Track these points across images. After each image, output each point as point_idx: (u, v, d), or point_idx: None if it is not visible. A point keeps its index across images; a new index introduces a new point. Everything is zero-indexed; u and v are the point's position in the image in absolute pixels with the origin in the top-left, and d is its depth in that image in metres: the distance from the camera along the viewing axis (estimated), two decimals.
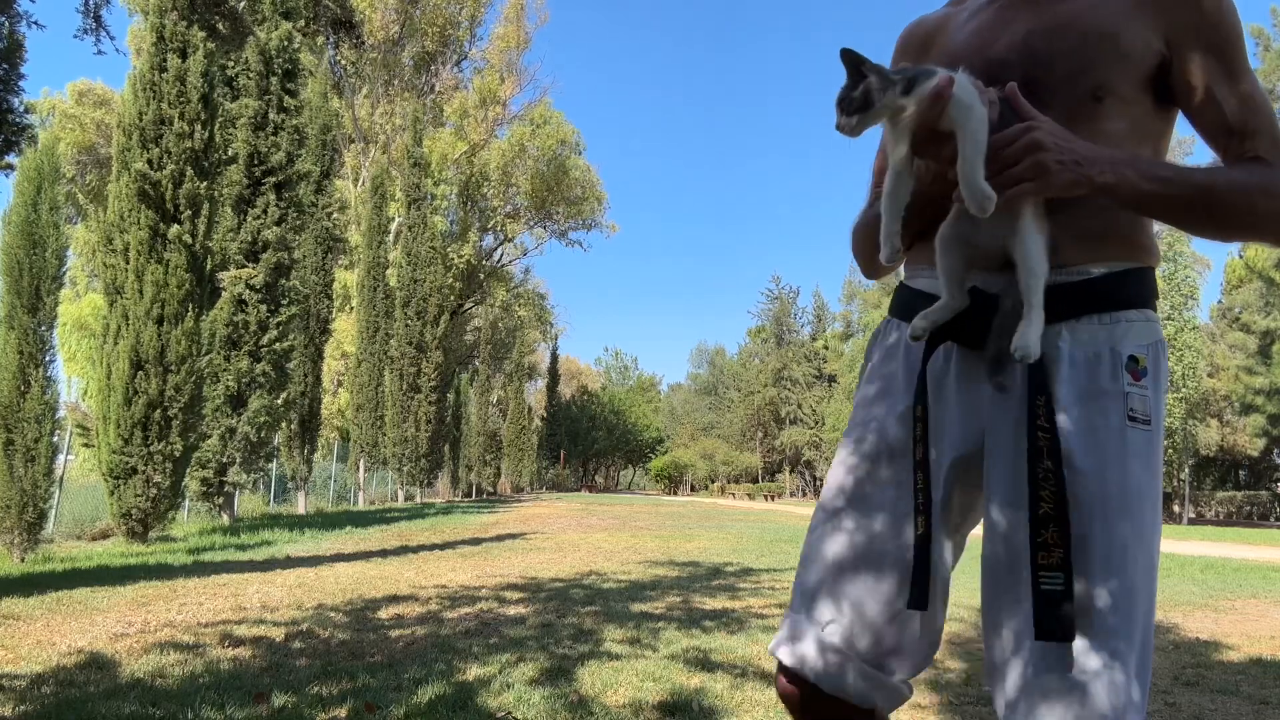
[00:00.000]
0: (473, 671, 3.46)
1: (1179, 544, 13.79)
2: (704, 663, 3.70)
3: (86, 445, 13.35)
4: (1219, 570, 8.99)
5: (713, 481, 57.64)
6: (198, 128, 9.61)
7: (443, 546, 9.71)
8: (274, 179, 12.88)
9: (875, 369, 1.21)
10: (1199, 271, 32.50)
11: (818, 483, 53.58)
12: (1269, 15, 27.79)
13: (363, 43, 32.70)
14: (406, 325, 23.92)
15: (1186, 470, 31.23)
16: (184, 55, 9.67)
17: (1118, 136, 1.05)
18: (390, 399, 23.59)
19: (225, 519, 12.57)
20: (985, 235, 1.02)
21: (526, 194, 36.91)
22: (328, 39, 31.32)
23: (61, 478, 9.85)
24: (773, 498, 48.58)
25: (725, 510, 25.60)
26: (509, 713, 2.87)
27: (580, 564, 8.11)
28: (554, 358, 52.61)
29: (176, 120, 9.47)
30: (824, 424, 49.30)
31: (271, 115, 12.89)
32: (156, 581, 6.07)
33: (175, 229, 9.29)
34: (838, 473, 1.17)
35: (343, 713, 2.83)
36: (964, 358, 1.10)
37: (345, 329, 27.73)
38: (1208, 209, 1.02)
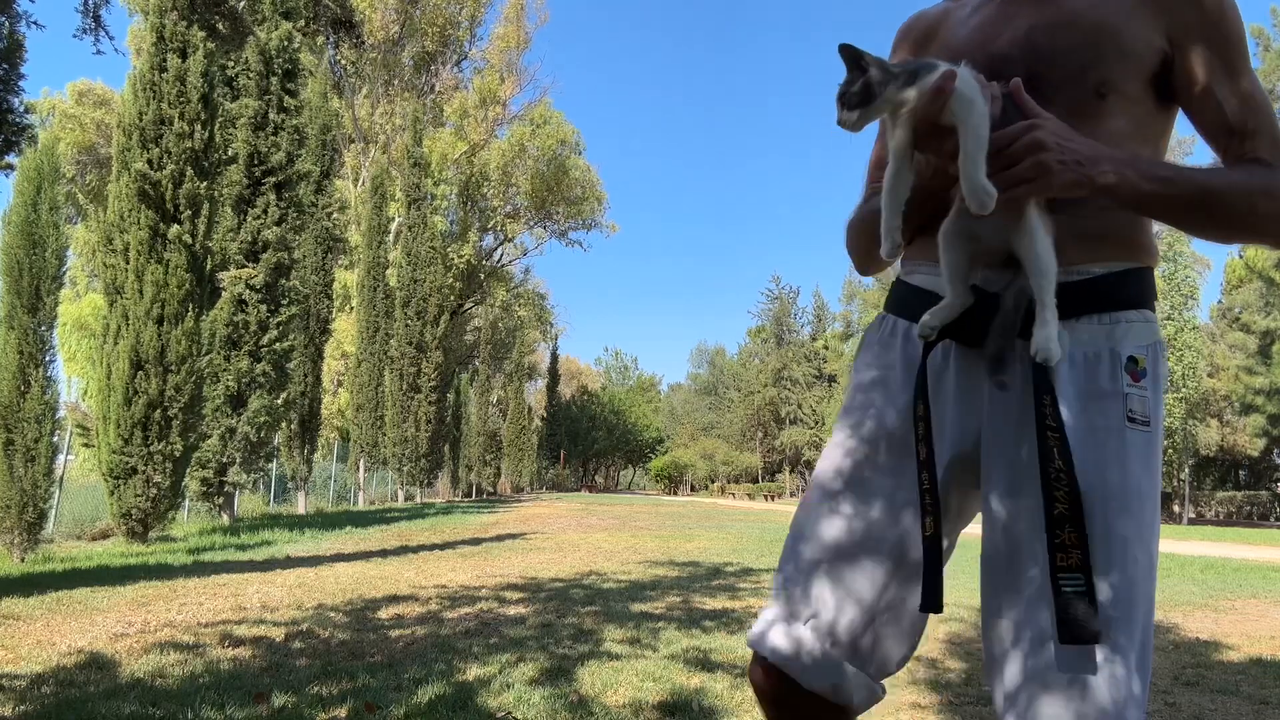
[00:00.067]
0: (473, 671, 3.46)
1: (1179, 544, 13.79)
2: (704, 663, 3.70)
3: (86, 445, 13.36)
4: (1219, 570, 8.99)
5: (713, 481, 57.65)
6: (198, 128, 9.61)
7: (443, 546, 9.71)
8: (274, 179, 12.89)
9: (873, 358, 1.19)
10: (1199, 271, 32.54)
11: None
12: (1269, 15, 27.80)
13: (363, 43, 32.71)
14: (406, 325, 23.92)
15: (1186, 470, 31.23)
16: (184, 55, 9.68)
17: (1119, 135, 1.04)
18: (390, 399, 23.59)
19: (225, 519, 12.57)
20: (989, 232, 1.01)
21: (526, 194, 36.92)
22: (328, 39, 31.32)
23: (61, 478, 9.85)
24: (773, 498, 48.60)
25: (725, 510, 25.60)
26: (509, 713, 2.87)
27: (580, 564, 8.11)
28: (554, 358, 52.64)
29: (176, 120, 9.47)
30: (824, 424, 49.33)
31: (271, 115, 12.89)
32: (156, 581, 6.07)
33: (175, 229, 9.29)
34: (835, 454, 1.15)
35: (343, 713, 2.83)
36: (962, 356, 1.09)
37: (345, 329, 27.73)
38: (1208, 210, 1.02)
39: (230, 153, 12.53)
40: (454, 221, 35.73)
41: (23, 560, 7.56)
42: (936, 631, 4.60)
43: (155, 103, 9.43)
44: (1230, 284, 36.08)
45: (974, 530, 1.15)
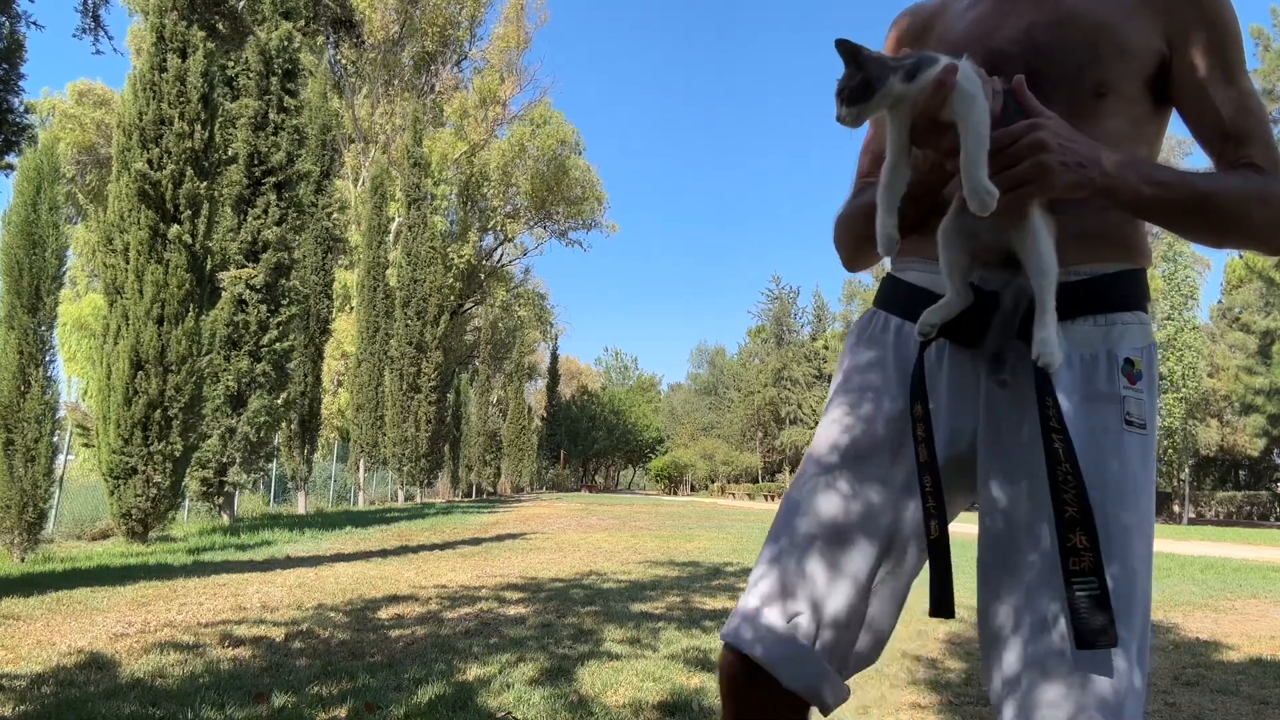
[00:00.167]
0: (473, 671, 3.46)
1: (1179, 544, 13.79)
2: (704, 663, 3.70)
3: (86, 445, 13.36)
4: (1219, 570, 8.99)
5: (713, 481, 57.64)
6: (198, 128, 9.61)
7: (443, 546, 9.71)
8: (274, 179, 12.89)
9: (867, 343, 1.17)
10: (1199, 271, 32.52)
11: None
12: (1269, 15, 27.79)
13: (363, 42, 32.72)
14: (406, 325, 23.93)
15: (1186, 470, 31.22)
16: (184, 55, 9.68)
17: (1116, 135, 1.04)
18: (390, 399, 23.59)
19: (225, 519, 12.57)
20: (989, 230, 0.99)
21: (526, 194, 36.93)
22: (328, 39, 31.33)
23: (61, 478, 9.85)
24: (773, 498, 48.57)
25: (725, 510, 25.60)
26: (509, 713, 2.87)
27: (580, 564, 8.11)
28: (554, 358, 52.65)
29: (176, 120, 9.47)
30: None
31: (271, 115, 12.89)
32: (156, 581, 6.07)
33: (175, 229, 9.29)
34: (832, 430, 1.12)
35: (343, 713, 2.83)
36: (955, 355, 1.08)
37: (345, 329, 27.74)
38: (1204, 215, 1.02)
39: (230, 153, 12.53)
40: (454, 221, 35.74)
41: (23, 560, 7.56)
42: (936, 631, 4.60)
43: (155, 103, 9.43)
44: (1230, 284, 36.10)
45: (970, 530, 1.14)
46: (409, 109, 28.84)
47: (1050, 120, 0.94)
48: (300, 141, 13.46)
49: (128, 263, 9.19)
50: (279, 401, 12.87)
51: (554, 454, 51.49)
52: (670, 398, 74.30)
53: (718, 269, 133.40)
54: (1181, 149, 27.77)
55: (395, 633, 4.33)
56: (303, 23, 16.06)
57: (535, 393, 55.27)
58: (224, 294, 12.23)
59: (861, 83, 0.92)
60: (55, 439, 7.91)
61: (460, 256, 33.89)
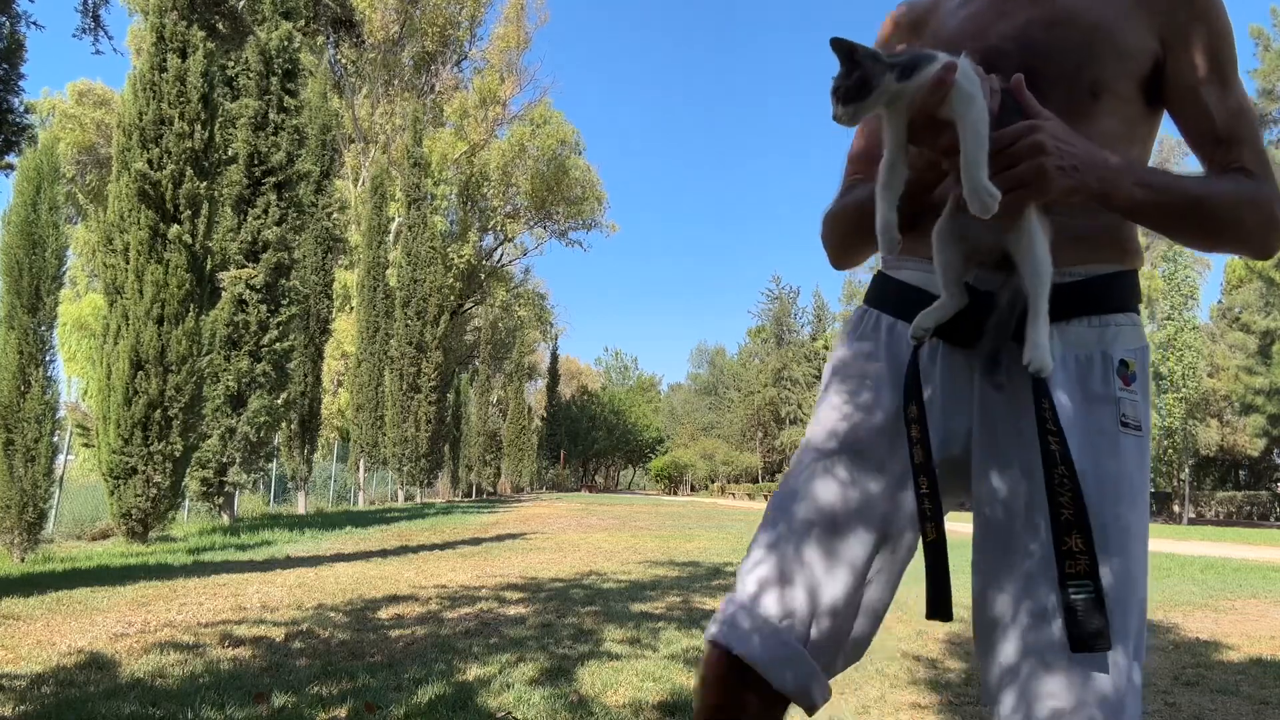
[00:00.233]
0: (473, 671, 3.46)
1: (1179, 544, 13.79)
2: None
3: (86, 445, 13.36)
4: (1219, 570, 8.99)
5: (713, 481, 57.65)
6: (198, 128, 9.61)
7: (443, 546, 9.71)
8: (274, 179, 12.89)
9: (859, 339, 1.16)
10: (1199, 271, 32.54)
11: None
12: (1269, 15, 27.79)
13: (363, 42, 32.72)
14: (406, 325, 23.93)
15: (1186, 470, 31.21)
16: (184, 55, 9.68)
17: (1111, 135, 1.04)
18: (390, 399, 23.60)
19: (225, 519, 12.57)
20: (984, 231, 0.98)
21: (526, 194, 36.94)
22: (328, 39, 31.33)
23: (61, 478, 9.85)
24: None
25: (725, 510, 25.60)
26: (509, 713, 2.87)
27: (580, 564, 8.11)
28: (554, 358, 52.65)
29: (176, 120, 9.47)
30: None
31: (271, 115, 12.90)
32: (156, 581, 6.07)
33: (175, 229, 9.29)
34: (830, 418, 1.11)
35: (343, 713, 2.83)
36: (948, 356, 1.07)
37: (345, 329, 27.75)
38: (1198, 219, 1.02)
39: (230, 153, 12.54)
40: (454, 221, 35.74)
41: (23, 560, 7.56)
42: (936, 631, 4.60)
43: (155, 103, 9.43)
44: (1230, 284, 36.11)
45: (966, 530, 1.14)
46: (409, 109, 28.85)
47: (1049, 122, 0.94)
48: (300, 141, 13.47)
49: (128, 263, 9.20)
50: (279, 401, 12.87)
51: (554, 454, 51.50)
52: (670, 398, 74.31)
53: (718, 269, 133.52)
54: (1181, 149, 27.79)
55: (395, 633, 4.33)
56: (303, 23, 16.06)
57: (535, 393, 55.28)
58: (224, 294, 12.23)
59: (858, 81, 0.91)
60: (55, 439, 7.91)
61: (460, 256, 33.89)
